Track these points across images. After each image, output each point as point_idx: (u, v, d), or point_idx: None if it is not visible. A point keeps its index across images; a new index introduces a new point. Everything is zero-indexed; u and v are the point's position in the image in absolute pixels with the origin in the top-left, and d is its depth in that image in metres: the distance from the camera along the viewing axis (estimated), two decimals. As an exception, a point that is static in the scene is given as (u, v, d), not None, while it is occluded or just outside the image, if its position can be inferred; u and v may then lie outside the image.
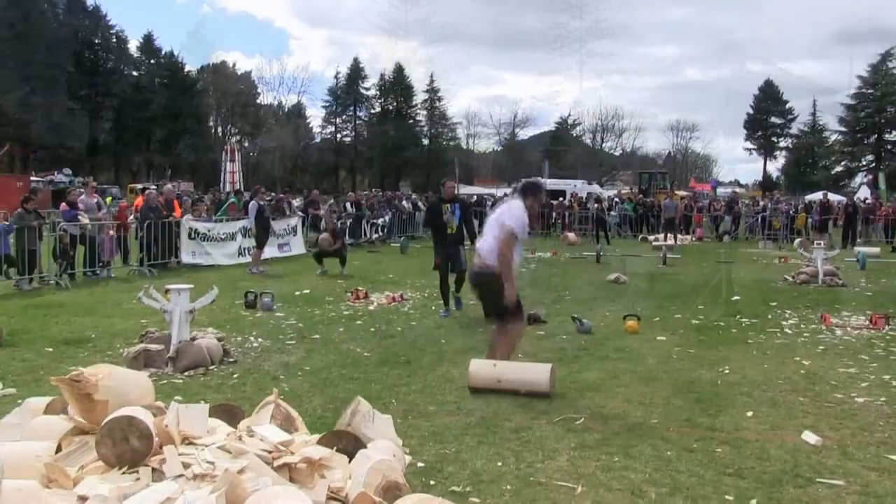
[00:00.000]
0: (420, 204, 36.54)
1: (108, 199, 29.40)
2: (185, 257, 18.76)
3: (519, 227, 7.28)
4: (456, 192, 13.42)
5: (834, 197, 41.49)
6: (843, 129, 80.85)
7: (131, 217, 18.92)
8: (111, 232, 17.30)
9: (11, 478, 3.70)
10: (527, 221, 7.39)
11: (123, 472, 3.95)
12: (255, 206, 18.38)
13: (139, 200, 20.04)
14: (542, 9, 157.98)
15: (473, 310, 11.21)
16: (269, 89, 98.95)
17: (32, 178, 43.98)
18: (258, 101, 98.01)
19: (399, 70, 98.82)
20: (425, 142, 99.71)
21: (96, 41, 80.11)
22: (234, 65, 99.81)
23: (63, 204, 17.33)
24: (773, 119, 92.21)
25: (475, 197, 45.93)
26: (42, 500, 3.64)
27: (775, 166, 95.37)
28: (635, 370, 8.35)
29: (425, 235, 31.84)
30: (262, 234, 18.68)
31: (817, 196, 38.39)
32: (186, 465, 3.95)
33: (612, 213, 36.40)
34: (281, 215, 23.09)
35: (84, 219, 16.24)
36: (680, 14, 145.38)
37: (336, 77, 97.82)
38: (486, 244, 7.48)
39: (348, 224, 25.77)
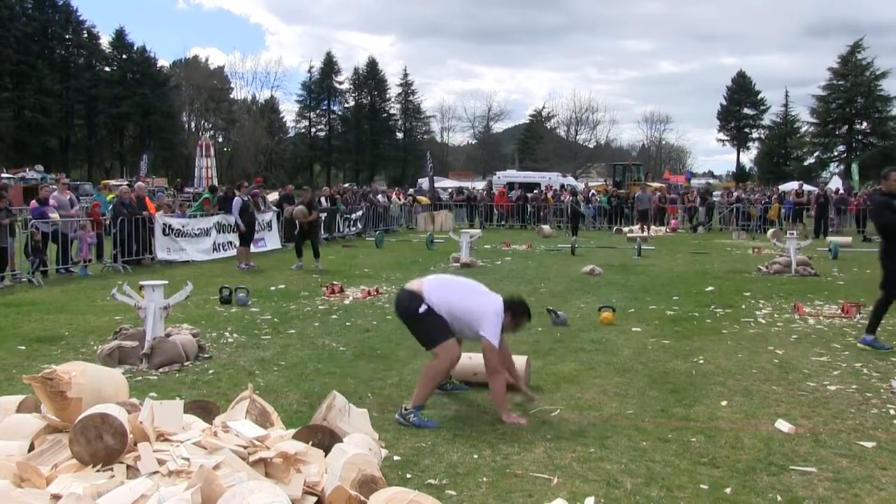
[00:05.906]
0: (394, 198, 36.30)
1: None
2: (160, 253, 18.64)
3: (495, 340, 6.19)
4: None
5: (807, 187, 41.86)
6: (814, 120, 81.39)
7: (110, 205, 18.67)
8: (90, 231, 17.15)
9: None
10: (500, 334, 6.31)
11: (98, 470, 3.93)
12: (238, 202, 18.13)
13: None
14: (518, 3, 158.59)
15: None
16: (243, 84, 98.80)
17: (3, 175, 43.53)
18: (231, 96, 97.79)
19: (372, 64, 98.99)
20: (399, 136, 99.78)
21: (67, 37, 79.40)
22: (207, 59, 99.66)
23: (33, 201, 17.14)
24: (746, 110, 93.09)
25: (450, 190, 45.76)
26: (14, 499, 3.61)
27: (748, 157, 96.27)
28: (610, 361, 8.38)
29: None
30: (248, 229, 18.37)
31: (792, 186, 38.65)
32: (161, 462, 3.94)
33: (590, 205, 36.36)
34: (255, 210, 22.95)
35: (53, 215, 16.06)
36: (654, 8, 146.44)
37: (309, 71, 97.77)
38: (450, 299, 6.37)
39: (323, 218, 25.73)
